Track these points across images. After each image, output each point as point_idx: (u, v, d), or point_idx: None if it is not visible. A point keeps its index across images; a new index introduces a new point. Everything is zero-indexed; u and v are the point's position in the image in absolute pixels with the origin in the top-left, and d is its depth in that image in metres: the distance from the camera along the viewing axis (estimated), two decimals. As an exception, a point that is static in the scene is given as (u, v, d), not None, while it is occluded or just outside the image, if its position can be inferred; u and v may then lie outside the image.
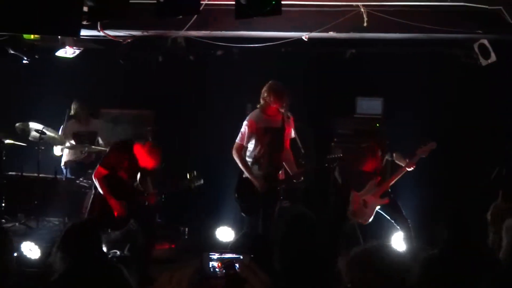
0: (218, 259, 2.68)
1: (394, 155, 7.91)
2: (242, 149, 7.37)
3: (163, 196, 8.73)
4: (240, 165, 7.37)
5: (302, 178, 7.46)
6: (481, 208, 6.04)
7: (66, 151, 9.31)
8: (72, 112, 9.38)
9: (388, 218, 7.81)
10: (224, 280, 2.53)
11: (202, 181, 7.54)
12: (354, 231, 7.88)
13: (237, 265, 2.50)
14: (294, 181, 7.49)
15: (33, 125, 8.88)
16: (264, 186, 7.26)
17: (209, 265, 2.65)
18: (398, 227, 7.74)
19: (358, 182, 7.98)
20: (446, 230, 4.27)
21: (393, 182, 7.82)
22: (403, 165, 7.73)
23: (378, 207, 7.78)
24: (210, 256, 2.73)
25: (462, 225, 4.26)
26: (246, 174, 7.35)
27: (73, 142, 9.23)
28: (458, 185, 9.00)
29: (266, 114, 7.36)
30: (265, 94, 7.31)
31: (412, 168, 7.69)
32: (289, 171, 7.55)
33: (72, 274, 3.24)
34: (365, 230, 7.85)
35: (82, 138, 9.24)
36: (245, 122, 7.36)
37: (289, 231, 3.57)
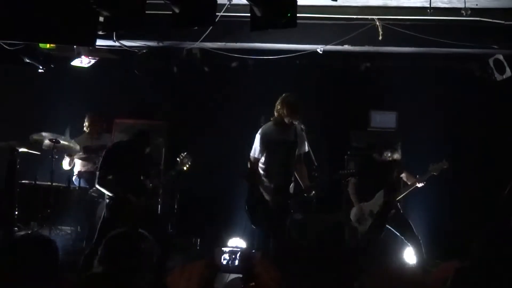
0: (230, 252, 2.66)
1: (403, 174, 7.86)
2: (256, 162, 7.33)
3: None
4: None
5: (314, 192, 7.41)
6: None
7: (78, 162, 9.35)
8: (85, 126, 9.46)
9: (398, 234, 7.76)
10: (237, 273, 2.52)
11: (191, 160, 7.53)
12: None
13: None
14: (305, 195, 7.45)
15: (47, 135, 8.91)
16: (275, 199, 7.21)
17: (221, 258, 2.64)
18: (409, 244, 7.69)
19: (367, 193, 7.94)
20: (477, 243, 4.21)
21: (401, 196, 7.78)
22: (413, 181, 7.71)
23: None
24: (223, 249, 2.71)
25: (492, 236, 4.20)
26: (257, 186, 7.30)
27: (83, 155, 9.27)
28: (471, 201, 8.95)
29: (279, 127, 7.30)
30: (279, 107, 7.25)
31: (422, 185, 7.68)
32: (301, 184, 7.51)
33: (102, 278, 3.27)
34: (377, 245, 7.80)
35: (92, 152, 9.25)
36: (257, 135, 7.32)
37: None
